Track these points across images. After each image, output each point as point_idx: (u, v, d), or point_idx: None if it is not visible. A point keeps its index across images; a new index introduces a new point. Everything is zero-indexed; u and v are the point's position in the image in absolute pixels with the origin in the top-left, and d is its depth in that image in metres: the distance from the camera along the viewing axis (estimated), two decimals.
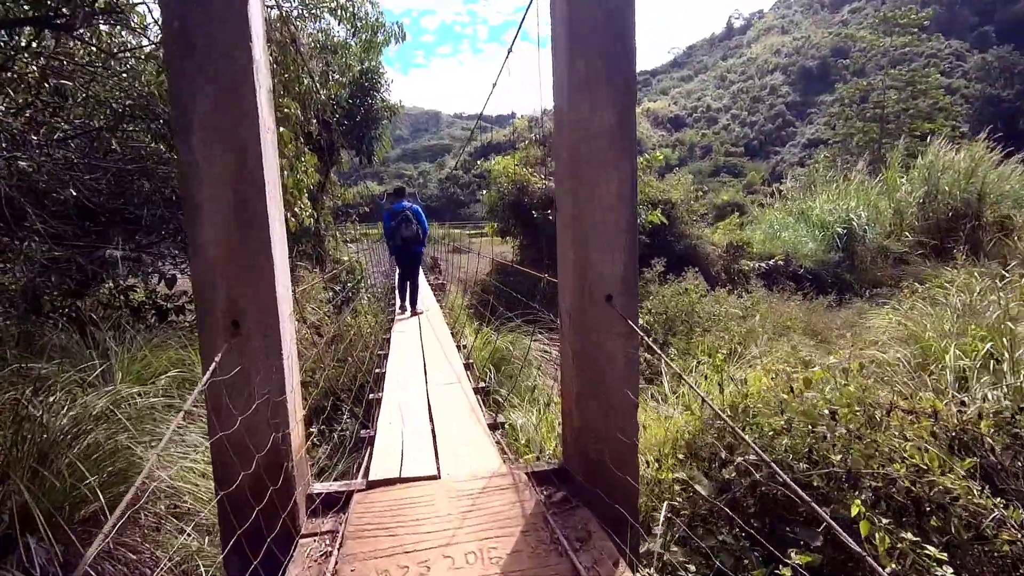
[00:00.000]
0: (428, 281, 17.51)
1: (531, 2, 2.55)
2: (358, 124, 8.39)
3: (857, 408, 2.36)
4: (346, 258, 9.04)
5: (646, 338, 2.05)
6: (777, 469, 1.25)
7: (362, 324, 5.75)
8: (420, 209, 7.00)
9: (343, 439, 3.71)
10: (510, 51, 3.20)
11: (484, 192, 10.00)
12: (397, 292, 7.52)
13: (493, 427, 3.41)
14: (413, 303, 7.15)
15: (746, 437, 1.58)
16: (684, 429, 2.67)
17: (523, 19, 2.74)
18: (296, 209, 4.77)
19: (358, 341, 5.32)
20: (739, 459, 2.24)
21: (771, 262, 9.98)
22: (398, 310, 7.27)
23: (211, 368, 1.67)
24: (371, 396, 3.94)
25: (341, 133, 7.66)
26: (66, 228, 4.01)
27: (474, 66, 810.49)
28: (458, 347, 5.42)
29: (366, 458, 2.93)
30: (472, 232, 37.09)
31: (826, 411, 2.34)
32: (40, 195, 3.92)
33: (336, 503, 2.19)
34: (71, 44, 4.53)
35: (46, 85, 4.19)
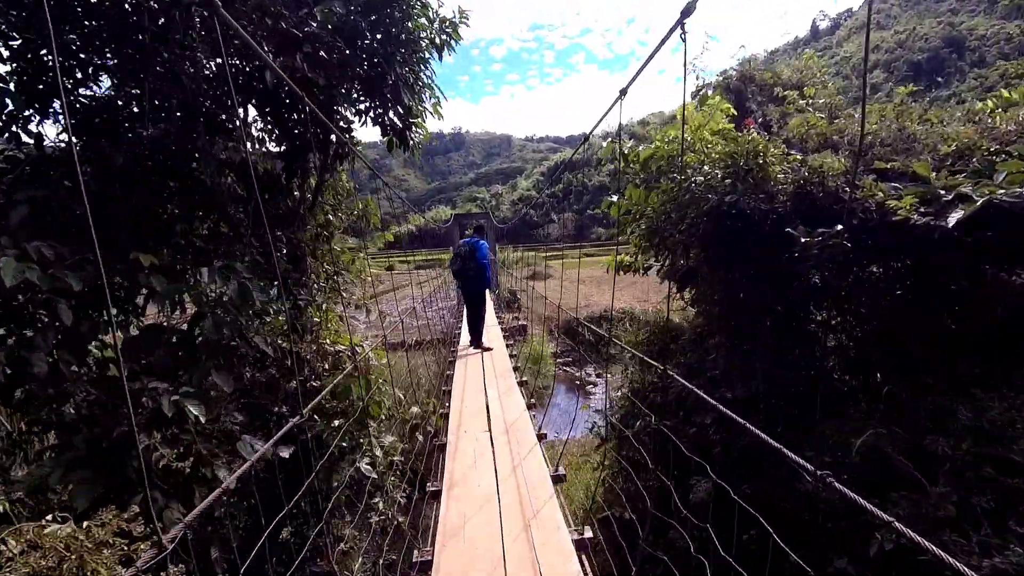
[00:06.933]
0: (504, 323, 12.06)
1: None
2: (370, 57, 3.31)
3: None
4: (353, 349, 3.76)
5: None
6: None
7: None
8: (483, 243, 7.09)
9: None
10: (623, 92, 2.86)
11: (616, 197, 4.91)
12: (465, 326, 8.30)
13: None
14: (478, 338, 7.51)
15: None
16: None
17: (653, 54, 2.34)
18: None
19: None
20: None
21: None
22: (460, 347, 7.84)
23: None
24: None
25: (336, 77, 3.11)
26: None
27: (542, 91, 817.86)
28: None
29: None
30: (547, 255, 33.67)
31: None
32: None
33: None
34: None
35: None
